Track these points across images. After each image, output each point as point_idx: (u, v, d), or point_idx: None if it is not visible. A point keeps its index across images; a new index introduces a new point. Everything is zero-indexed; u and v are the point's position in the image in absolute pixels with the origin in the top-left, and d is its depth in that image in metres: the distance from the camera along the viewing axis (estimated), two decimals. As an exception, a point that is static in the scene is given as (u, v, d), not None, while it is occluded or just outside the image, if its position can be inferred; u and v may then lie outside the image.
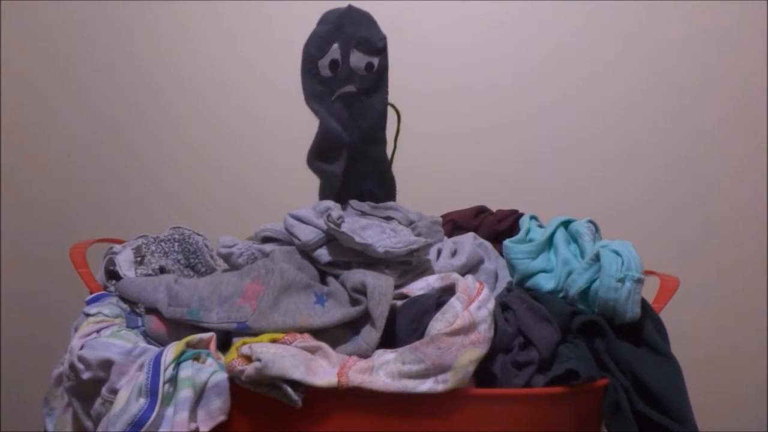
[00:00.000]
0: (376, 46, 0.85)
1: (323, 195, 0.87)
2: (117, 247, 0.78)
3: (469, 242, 0.81)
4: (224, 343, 0.67)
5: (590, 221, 0.76)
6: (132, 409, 0.59)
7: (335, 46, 0.84)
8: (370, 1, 1.24)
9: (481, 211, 0.94)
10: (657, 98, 1.23)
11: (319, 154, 0.85)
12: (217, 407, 0.61)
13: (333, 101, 0.85)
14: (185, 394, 0.59)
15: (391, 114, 0.89)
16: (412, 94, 1.24)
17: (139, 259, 0.77)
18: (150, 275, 0.75)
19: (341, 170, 0.86)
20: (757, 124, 1.21)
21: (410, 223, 0.82)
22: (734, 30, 1.21)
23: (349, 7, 0.86)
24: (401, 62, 1.23)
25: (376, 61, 0.86)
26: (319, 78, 0.85)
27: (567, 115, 1.24)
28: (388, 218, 0.83)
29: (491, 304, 0.66)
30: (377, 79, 0.87)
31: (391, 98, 0.88)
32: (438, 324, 0.63)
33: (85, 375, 0.63)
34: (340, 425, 0.62)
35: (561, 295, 0.72)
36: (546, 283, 0.73)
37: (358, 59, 0.85)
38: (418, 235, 0.79)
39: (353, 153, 0.86)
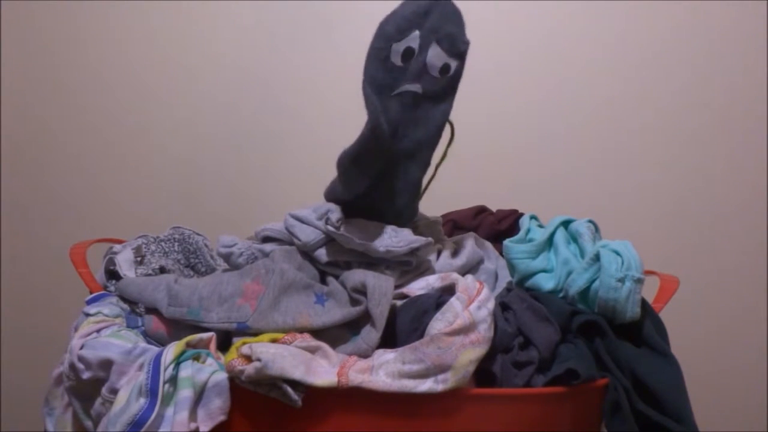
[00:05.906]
0: (459, 48, 0.74)
1: (332, 196, 0.77)
2: (117, 247, 0.78)
3: (469, 242, 0.81)
4: (224, 343, 0.67)
5: (590, 221, 0.76)
6: (132, 408, 0.59)
7: (416, 33, 0.72)
8: (371, 1, 1.25)
9: (481, 211, 0.94)
10: (658, 98, 1.23)
11: (356, 158, 0.71)
12: (217, 407, 0.61)
13: (391, 97, 0.73)
14: (185, 393, 0.59)
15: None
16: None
17: (139, 259, 0.77)
18: (150, 275, 0.75)
19: (369, 183, 0.74)
20: (757, 124, 1.21)
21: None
22: (735, 28, 1.21)
23: None
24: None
25: (454, 64, 0.74)
26: (387, 64, 0.73)
27: (567, 114, 1.24)
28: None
29: (491, 304, 0.66)
30: (448, 86, 0.75)
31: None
32: (438, 324, 0.63)
33: (85, 375, 0.63)
34: (340, 425, 0.62)
35: (561, 295, 0.72)
36: (546, 283, 0.73)
37: (436, 56, 0.73)
38: (418, 235, 0.79)
39: (389, 167, 0.75)
